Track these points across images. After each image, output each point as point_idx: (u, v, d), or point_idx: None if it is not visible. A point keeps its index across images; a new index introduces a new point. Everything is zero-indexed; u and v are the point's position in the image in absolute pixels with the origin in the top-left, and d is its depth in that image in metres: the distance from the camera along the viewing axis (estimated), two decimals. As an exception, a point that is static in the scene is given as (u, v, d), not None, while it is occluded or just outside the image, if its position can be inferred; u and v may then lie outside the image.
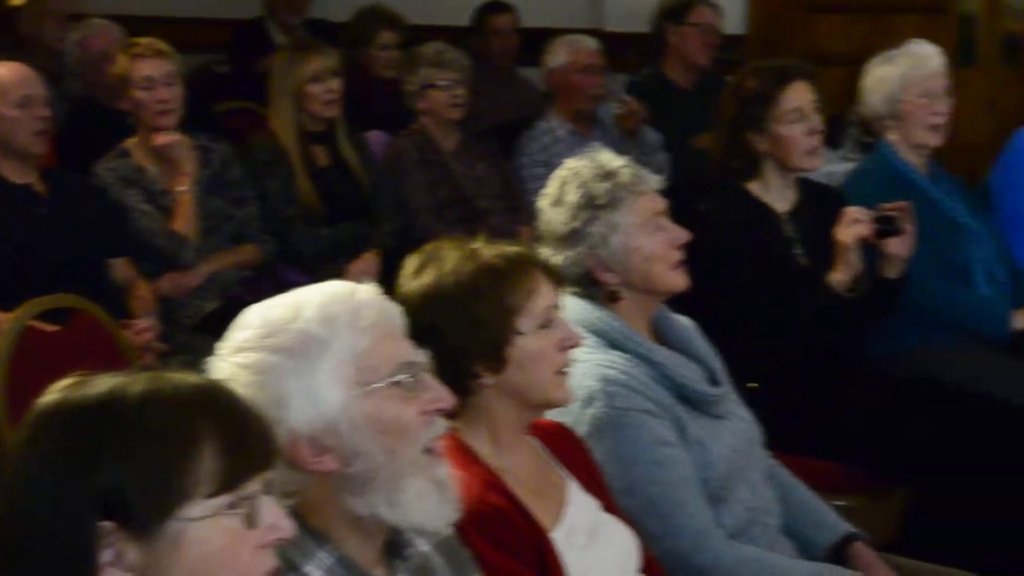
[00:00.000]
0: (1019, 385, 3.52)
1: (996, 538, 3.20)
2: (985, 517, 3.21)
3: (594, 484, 2.24)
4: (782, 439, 2.83)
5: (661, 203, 2.56)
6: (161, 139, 4.03)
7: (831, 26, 5.64)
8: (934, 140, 3.77)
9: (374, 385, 1.65)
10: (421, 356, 1.71)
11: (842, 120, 4.81)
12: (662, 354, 2.50)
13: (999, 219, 3.99)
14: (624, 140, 4.83)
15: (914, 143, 3.77)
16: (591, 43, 5.03)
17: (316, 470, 1.64)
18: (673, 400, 2.45)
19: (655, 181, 2.57)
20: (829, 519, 2.68)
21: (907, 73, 3.77)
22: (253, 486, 1.36)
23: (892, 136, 3.80)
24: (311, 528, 1.65)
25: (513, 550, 1.97)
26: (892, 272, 3.34)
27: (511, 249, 2.11)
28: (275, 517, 1.37)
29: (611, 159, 2.55)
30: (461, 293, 2.04)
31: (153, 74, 4.05)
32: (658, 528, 2.35)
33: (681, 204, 2.77)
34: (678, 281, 2.56)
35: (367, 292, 1.71)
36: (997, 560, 3.00)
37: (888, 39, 4.04)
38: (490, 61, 5.60)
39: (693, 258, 2.62)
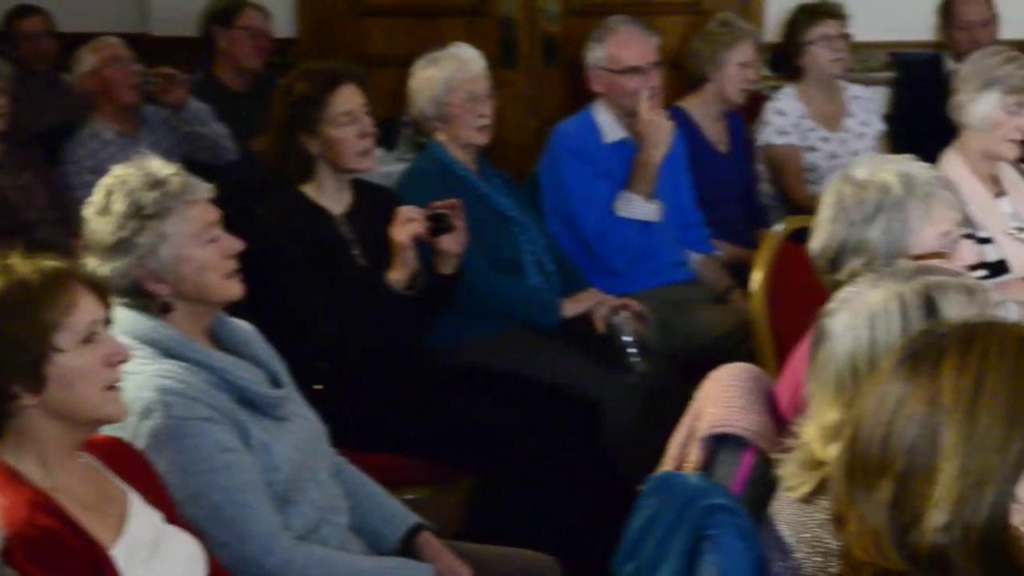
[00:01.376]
0: (569, 369, 3.71)
1: (556, 516, 3.36)
2: (544, 496, 3.36)
3: (156, 496, 2.19)
4: (350, 436, 2.86)
5: (213, 212, 2.52)
6: None
7: (379, 29, 5.71)
8: (481, 139, 3.90)
9: None
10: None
11: (396, 121, 4.90)
12: (220, 359, 2.46)
13: (545, 212, 4.19)
14: (174, 116, 4.74)
15: (462, 142, 3.89)
16: (113, 39, 4.91)
17: None
18: (234, 405, 2.42)
19: (207, 189, 2.53)
20: (398, 513, 2.72)
21: (451, 76, 3.88)
22: None
23: (441, 136, 3.91)
24: None
25: (67, 571, 1.90)
26: (447, 268, 3.44)
27: (49, 263, 2.02)
28: None
29: (161, 167, 2.49)
30: (-8, 311, 1.93)
31: None
32: (225, 535, 2.32)
33: (238, 208, 2.75)
34: (232, 291, 2.54)
35: None
36: (560, 538, 3.16)
37: (434, 41, 4.16)
38: (26, 66, 5.33)
39: (252, 261, 2.61)
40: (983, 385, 1.42)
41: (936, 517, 1.41)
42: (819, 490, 1.86)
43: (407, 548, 2.67)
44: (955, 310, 1.82)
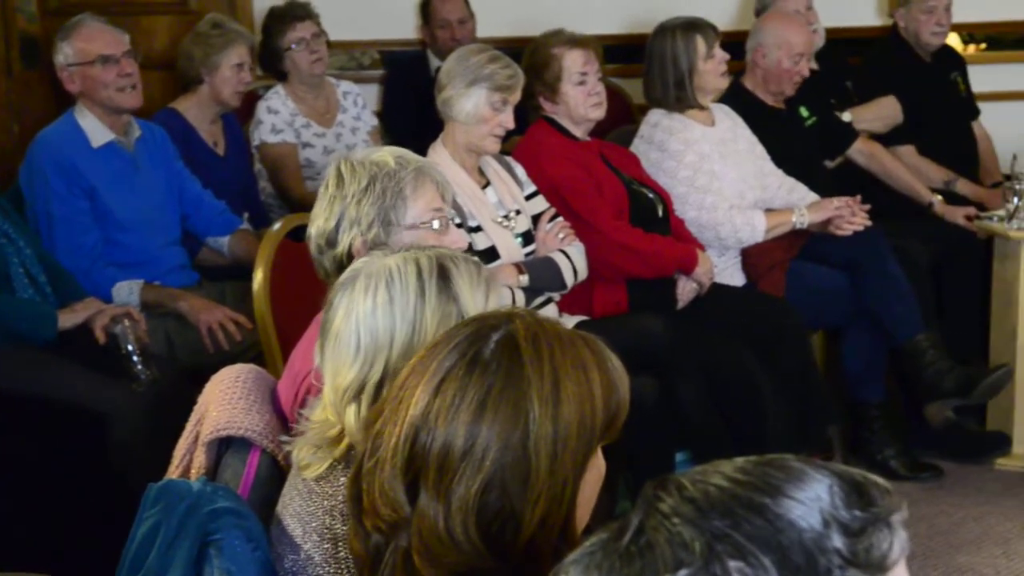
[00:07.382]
0: (71, 383, 3.56)
1: (60, 536, 3.23)
2: (47, 517, 3.23)
3: None
4: None
5: None
6: None
7: None
8: None
9: None
10: None
11: None
12: None
13: (33, 221, 3.99)
14: None
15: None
16: None
17: None
18: None
19: None
20: None
21: None
22: None
23: None
24: None
25: None
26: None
27: None
28: None
29: None
30: None
31: None
32: None
33: None
34: None
35: None
36: (65, 557, 3.04)
37: None
38: None
39: None
40: (561, 385, 1.48)
41: (534, 513, 1.45)
42: (331, 472, 1.87)
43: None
44: (465, 281, 1.88)
